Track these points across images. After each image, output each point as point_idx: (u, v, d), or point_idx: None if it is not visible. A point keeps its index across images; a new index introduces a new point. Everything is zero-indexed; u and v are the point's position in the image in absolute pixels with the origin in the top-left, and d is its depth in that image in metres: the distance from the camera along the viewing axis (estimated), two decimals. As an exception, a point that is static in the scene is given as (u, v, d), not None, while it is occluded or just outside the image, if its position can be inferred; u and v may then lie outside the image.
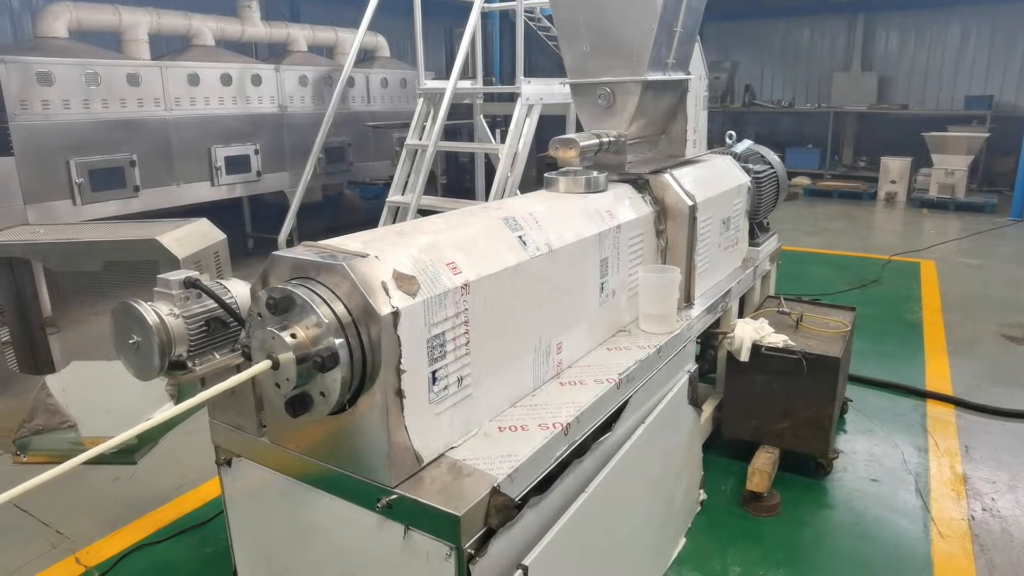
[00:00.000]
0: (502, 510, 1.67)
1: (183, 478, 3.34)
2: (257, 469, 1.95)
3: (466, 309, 1.79)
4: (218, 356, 1.82)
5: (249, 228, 8.17)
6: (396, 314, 1.57)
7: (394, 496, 1.65)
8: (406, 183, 4.04)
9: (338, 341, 1.54)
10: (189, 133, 6.43)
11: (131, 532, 2.95)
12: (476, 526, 1.62)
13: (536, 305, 2.10)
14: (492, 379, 1.94)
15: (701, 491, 3.08)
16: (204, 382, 1.96)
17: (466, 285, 1.79)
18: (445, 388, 1.76)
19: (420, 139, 4.11)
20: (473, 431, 1.90)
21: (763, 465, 3.06)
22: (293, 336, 1.55)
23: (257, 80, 7.04)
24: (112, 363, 2.19)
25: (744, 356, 3.16)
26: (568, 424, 1.96)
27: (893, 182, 11.03)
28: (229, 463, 2.04)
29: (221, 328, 1.82)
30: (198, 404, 1.50)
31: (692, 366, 2.88)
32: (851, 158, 12.96)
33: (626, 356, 2.42)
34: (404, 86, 8.72)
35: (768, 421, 3.23)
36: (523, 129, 3.54)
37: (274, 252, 1.70)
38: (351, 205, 10.45)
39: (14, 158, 5.27)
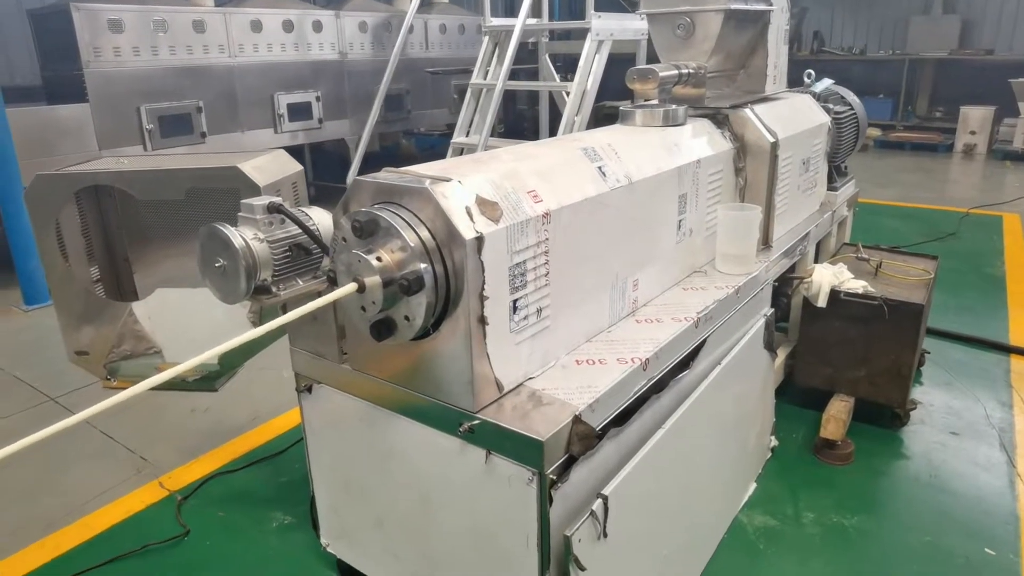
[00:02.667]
0: (583, 438, 1.66)
1: (256, 412, 3.44)
2: (337, 395, 1.98)
3: (547, 239, 1.76)
4: (301, 282, 1.83)
5: (310, 176, 8.26)
6: (480, 239, 1.54)
7: (476, 421, 1.65)
8: (470, 125, 3.98)
9: (423, 265, 1.52)
10: (252, 80, 6.48)
11: (209, 460, 3.06)
12: (558, 453, 1.61)
13: (614, 239, 2.05)
14: (570, 312, 1.91)
15: (772, 437, 3.02)
16: (286, 308, 1.98)
17: (547, 214, 1.75)
18: (525, 318, 1.74)
19: (485, 79, 4.04)
20: (550, 363, 1.88)
21: (839, 412, 2.97)
22: (379, 259, 1.54)
23: (318, 27, 7.02)
24: (195, 290, 2.24)
25: (822, 301, 3.05)
26: (647, 360, 1.93)
27: (973, 133, 10.44)
28: (310, 390, 2.07)
29: (303, 255, 1.83)
30: (281, 326, 1.51)
31: (768, 310, 2.80)
32: (926, 108, 12.28)
33: (703, 296, 2.36)
34: (463, 32, 8.59)
35: (844, 369, 3.13)
36: (592, 67, 3.44)
37: (357, 177, 1.68)
38: (407, 155, 10.45)
39: (89, 105, 5.40)
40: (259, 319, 2.19)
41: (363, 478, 2.04)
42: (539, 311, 1.79)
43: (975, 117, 10.39)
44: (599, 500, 1.70)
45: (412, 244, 1.52)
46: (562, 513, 1.65)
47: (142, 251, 2.50)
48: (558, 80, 4.26)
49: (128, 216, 2.50)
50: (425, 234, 1.55)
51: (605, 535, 1.72)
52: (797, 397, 3.37)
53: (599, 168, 2.02)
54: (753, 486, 2.80)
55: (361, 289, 1.56)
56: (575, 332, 1.97)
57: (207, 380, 2.42)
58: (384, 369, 1.81)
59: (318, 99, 7.08)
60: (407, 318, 1.59)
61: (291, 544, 2.54)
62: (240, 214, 1.77)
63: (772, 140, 2.73)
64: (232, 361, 2.36)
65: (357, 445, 2.00)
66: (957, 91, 11.57)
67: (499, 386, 1.70)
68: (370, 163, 4.64)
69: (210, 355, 1.45)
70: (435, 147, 11.98)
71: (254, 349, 2.26)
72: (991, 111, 10.27)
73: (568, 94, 3.59)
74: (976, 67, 11.65)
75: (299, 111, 6.92)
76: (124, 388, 2.56)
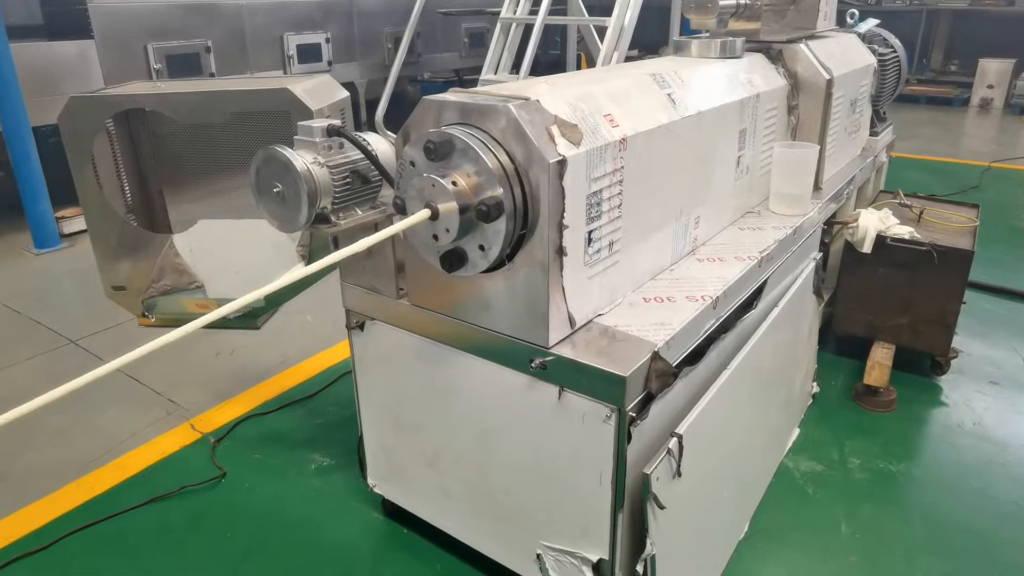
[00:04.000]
0: (662, 376, 1.59)
1: (284, 355, 3.38)
2: (393, 332, 1.91)
3: (622, 167, 1.66)
4: (360, 212, 1.74)
5: (317, 123, 8.05)
6: (563, 163, 1.45)
7: (550, 357, 1.58)
8: (499, 63, 3.84)
9: (501, 190, 1.43)
10: (262, 19, 6.25)
11: (240, 403, 3.01)
12: (637, 390, 1.55)
13: (680, 173, 1.96)
14: (637, 247, 1.83)
15: (814, 384, 2.98)
16: (337, 242, 1.90)
17: (624, 140, 1.65)
18: (598, 251, 1.66)
19: (515, 14, 3.87)
20: (617, 300, 1.80)
21: (883, 359, 2.93)
22: (454, 184, 1.45)
23: (327, -36, 6.76)
24: (240, 222, 2.15)
25: (867, 247, 2.97)
26: (717, 298, 1.86)
27: (990, 87, 10.25)
28: (362, 327, 2.00)
29: (362, 183, 1.73)
30: (334, 262, 1.42)
31: (817, 254, 2.72)
32: (941, 61, 12.04)
33: (762, 236, 2.28)
34: (475, -26, 8.29)
35: (886, 316, 3.07)
36: (630, 2, 3.29)
37: (425, 97, 1.58)
38: (415, 102, 10.22)
39: (94, 41, 5.20)
40: (309, 253, 2.11)
41: (417, 416, 1.98)
42: (611, 244, 1.70)
43: (993, 70, 10.18)
44: (674, 439, 1.65)
45: (491, 167, 1.43)
46: (637, 451, 1.60)
47: (176, 182, 2.39)
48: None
49: (161, 146, 2.39)
50: (504, 157, 1.45)
51: (679, 474, 1.68)
52: (833, 345, 3.33)
53: (668, 95, 1.92)
54: (796, 431, 2.76)
55: (435, 216, 1.47)
56: (641, 269, 1.89)
57: (250, 317, 2.34)
58: (447, 304, 1.73)
59: (327, 40, 6.86)
60: (481, 248, 1.50)
61: (333, 485, 2.50)
62: (297, 137, 1.66)
63: (827, 77, 2.62)
64: (279, 298, 2.28)
65: (412, 383, 1.93)
66: (973, 44, 11.31)
67: (571, 321, 1.63)
68: (375, 111, 4.50)
69: (268, 290, 1.36)
70: (441, 89, 11.71)
71: (303, 286, 2.17)
72: (1009, 64, 10.07)
73: (600, 32, 3.44)
74: (994, 19, 11.37)
75: (309, 53, 6.71)
76: (161, 326, 2.49)
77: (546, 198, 1.44)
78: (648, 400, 1.59)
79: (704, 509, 1.94)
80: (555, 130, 1.48)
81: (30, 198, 4.87)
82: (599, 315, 1.73)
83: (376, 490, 2.25)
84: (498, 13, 3.88)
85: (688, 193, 2.04)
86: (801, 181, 2.48)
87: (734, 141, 2.26)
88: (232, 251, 2.18)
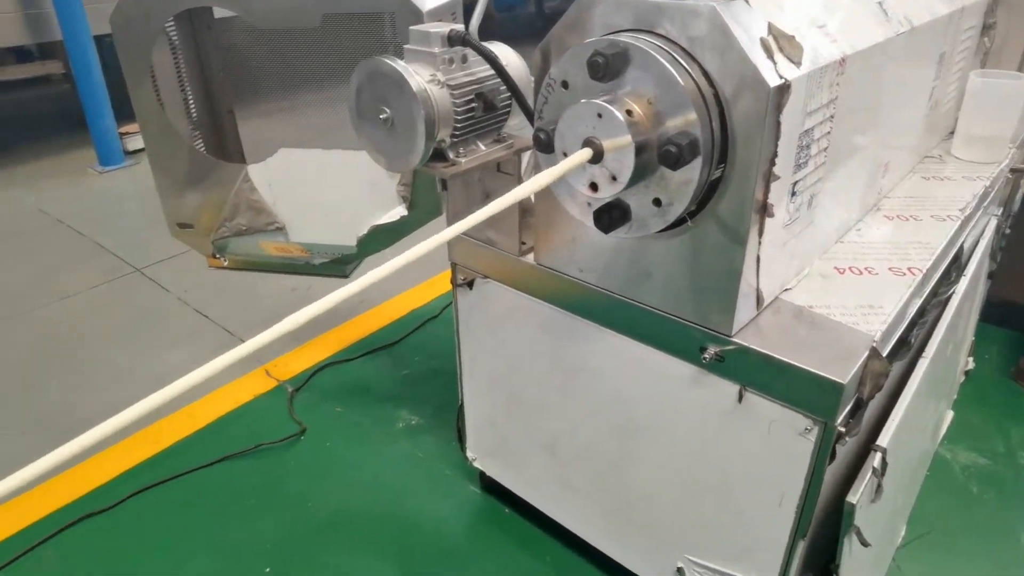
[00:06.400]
0: (877, 377, 1.22)
1: (364, 295, 3.09)
2: (511, 294, 1.57)
3: (836, 98, 1.25)
4: (482, 146, 1.38)
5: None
6: (784, 88, 1.05)
7: (730, 347, 1.22)
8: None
9: (699, 123, 1.04)
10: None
11: (317, 347, 2.75)
12: (849, 397, 1.18)
13: (882, 105, 1.53)
14: (829, 203, 1.43)
15: (970, 359, 2.55)
16: (446, 185, 1.55)
17: (843, 60, 1.23)
18: (798, 208, 1.27)
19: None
20: (805, 270, 1.42)
21: (1062, 335, 2.47)
22: (628, 113, 1.07)
23: None
24: (327, 152, 1.81)
25: (1053, 200, 2.47)
26: (926, 270, 1.45)
27: None
28: (471, 285, 1.66)
29: (485, 109, 1.36)
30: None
31: (998, 210, 2.25)
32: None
33: (955, 189, 1.84)
34: None
35: (1063, 283, 2.60)
36: None
37: (582, -7, 1.17)
38: (491, 20, 9.61)
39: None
40: (411, 195, 1.76)
41: (535, 394, 1.66)
42: (811, 199, 1.31)
43: None
44: (877, 454, 1.29)
45: (685, 90, 1.03)
46: (833, 469, 1.25)
47: (250, 102, 2.05)
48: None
49: (231, 58, 2.03)
50: (701, 78, 1.06)
51: (879, 495, 1.33)
52: (987, 312, 2.87)
53: (879, 4, 1.46)
54: (951, 414, 2.37)
55: (598, 157, 1.10)
56: (829, 230, 1.49)
57: (339, 264, 2.03)
58: (588, 267, 1.37)
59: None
60: (657, 202, 1.13)
61: (423, 448, 2.23)
62: (409, 47, 1.29)
63: (1041, -14, 2.08)
64: (373, 245, 1.96)
65: (533, 356, 1.61)
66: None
67: (759, 300, 1.26)
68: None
69: (415, 255, 1.00)
70: (513, 7, 10.99)
71: (403, 231, 1.85)
72: None
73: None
74: None
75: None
76: (234, 268, 2.23)
77: (758, 137, 1.05)
78: (856, 408, 1.23)
79: (884, 526, 1.59)
80: (772, 43, 1.07)
81: (93, 113, 4.63)
82: (786, 290, 1.35)
83: (476, 464, 1.97)
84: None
85: (884, 133, 1.60)
86: (1002, 121, 2.00)
87: (932, 67, 1.79)
88: (319, 188, 1.85)
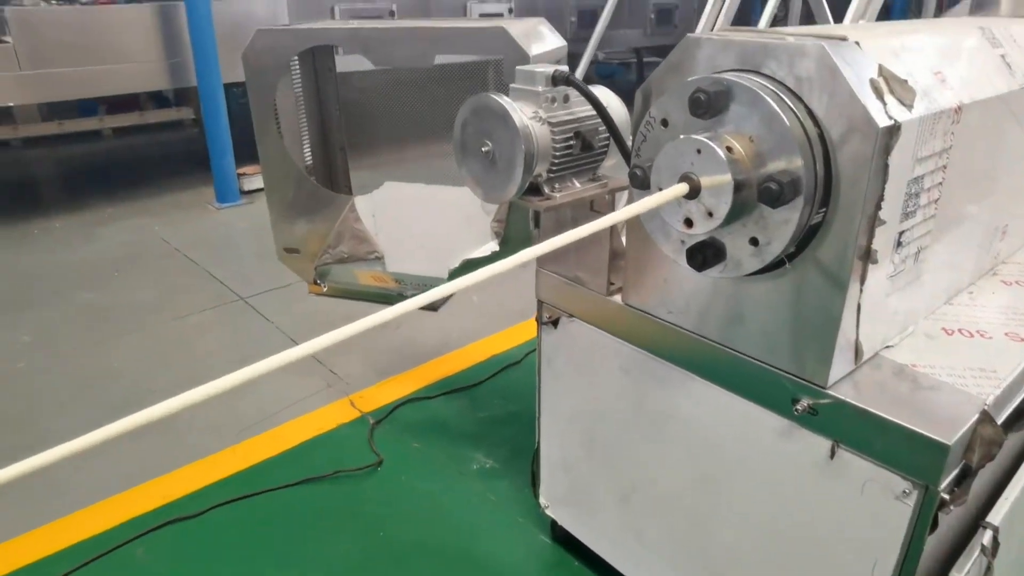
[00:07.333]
0: (988, 444, 1.13)
1: (450, 336, 3.15)
2: (597, 335, 1.56)
3: (950, 147, 1.20)
4: (577, 183, 1.40)
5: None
6: (894, 130, 1.02)
7: (825, 400, 1.16)
8: (716, 22, 3.35)
9: (801, 161, 1.03)
10: (448, -15, 6.11)
11: (401, 383, 2.80)
12: (955, 461, 1.09)
13: (1001, 160, 1.45)
14: (939, 260, 1.36)
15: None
16: (539, 219, 1.57)
17: (959, 108, 1.19)
18: (904, 260, 1.21)
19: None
20: (910, 328, 1.34)
21: None
22: (728, 150, 1.06)
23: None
24: (429, 187, 1.88)
25: None
26: (1049, 338, 1.35)
27: None
28: (556, 323, 1.66)
29: (583, 148, 1.38)
30: (559, 246, 1.06)
31: None
32: None
33: (1083, 257, 1.71)
34: (667, -56, 7.75)
35: None
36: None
37: (689, 35, 1.19)
38: (588, 81, 9.82)
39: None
40: (504, 232, 1.81)
41: (614, 440, 1.63)
42: (918, 252, 1.25)
43: None
44: (987, 531, 1.19)
45: (788, 128, 1.02)
46: (935, 541, 1.15)
47: (362, 141, 2.17)
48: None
49: (348, 98, 2.17)
50: (805, 117, 1.05)
51: (988, 579, 1.21)
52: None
53: (1003, 57, 1.41)
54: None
55: (694, 193, 1.09)
56: (938, 288, 1.42)
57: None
58: (679, 310, 1.35)
59: (510, 11, 6.62)
60: (754, 241, 1.11)
61: (496, 491, 2.21)
62: (515, 85, 1.34)
63: None
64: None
65: (614, 399, 1.58)
66: None
67: (858, 353, 1.20)
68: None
69: (479, 278, 1.02)
70: (615, 76, 11.20)
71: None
72: None
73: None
74: None
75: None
76: (331, 295, 2.32)
77: (864, 178, 1.02)
78: (963, 476, 1.14)
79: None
80: (882, 84, 1.05)
81: (216, 153, 5.00)
82: (887, 347, 1.29)
83: (548, 512, 1.93)
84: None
85: (1003, 191, 1.52)
86: None
87: (1060, 128, 1.70)
88: (417, 220, 1.92)
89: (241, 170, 5.21)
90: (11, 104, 4.65)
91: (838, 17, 2.01)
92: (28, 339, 3.21)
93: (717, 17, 3.51)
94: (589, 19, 7.28)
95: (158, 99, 6.93)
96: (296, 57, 2.05)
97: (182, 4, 4.72)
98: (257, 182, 5.25)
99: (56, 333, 3.27)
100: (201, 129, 5.18)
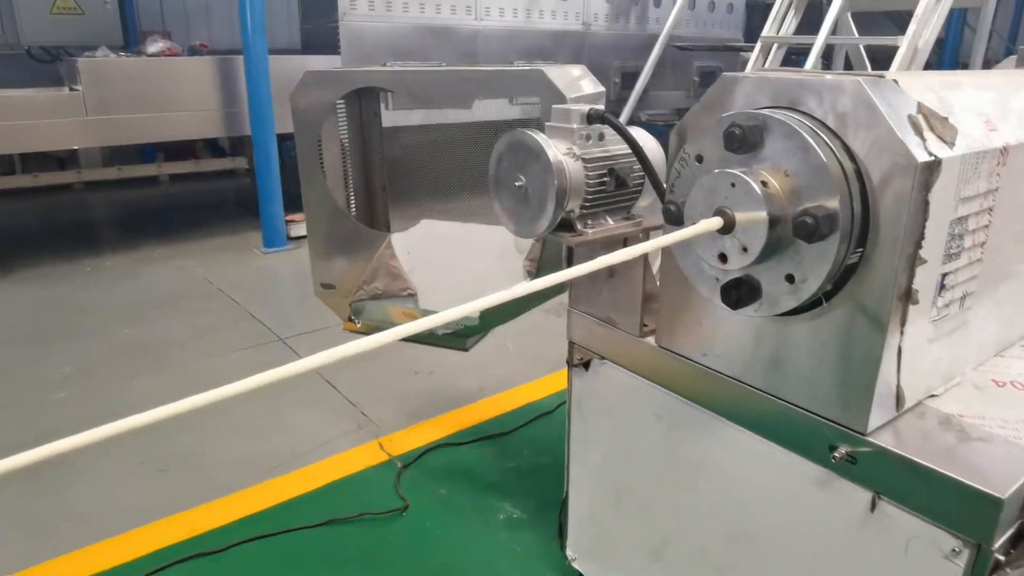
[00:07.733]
0: (1045, 503, 1.05)
1: (483, 383, 3.13)
2: (628, 378, 1.52)
3: (996, 188, 1.16)
4: (611, 221, 1.39)
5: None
6: (934, 166, 0.99)
7: (865, 448, 1.11)
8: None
9: (838, 197, 1.00)
10: (495, 45, 6.28)
11: (431, 428, 2.78)
12: (1010, 518, 1.02)
13: (1055, 211, 1.40)
14: (989, 307, 1.30)
15: None
16: (571, 257, 1.56)
17: (1005, 149, 1.15)
18: (947, 304, 1.17)
19: (778, 33, 3.41)
20: (956, 379, 1.28)
21: None
22: (764, 185, 1.05)
23: (563, -6, 6.70)
24: (465, 226, 1.90)
25: None
26: (1110, 394, 1.27)
27: None
28: (587, 365, 1.64)
29: (617, 185, 1.38)
30: (572, 277, 1.05)
31: None
32: None
33: None
34: (712, 9, 7.89)
35: None
36: (932, 19, 2.71)
37: (724, 73, 1.19)
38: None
39: (340, 57, 5.46)
40: (536, 270, 1.81)
41: (646, 490, 1.57)
42: (963, 297, 1.20)
43: None
44: (1045, 600, 1.09)
45: (825, 163, 1.01)
46: (987, 609, 1.07)
47: (402, 183, 2.21)
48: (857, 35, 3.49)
49: (391, 141, 2.22)
50: (841, 152, 1.03)
51: (1048, 655, 1.11)
52: None
53: (1052, 104, 1.38)
54: None
55: (728, 228, 1.08)
56: (987, 338, 1.35)
57: (460, 337, 2.08)
58: (713, 352, 1.32)
59: (555, 70, 6.77)
60: (790, 279, 1.08)
61: (522, 543, 2.15)
62: (550, 124, 1.35)
63: None
64: (494, 319, 2.00)
65: (646, 446, 1.53)
66: None
67: (900, 400, 1.15)
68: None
69: (479, 306, 1.02)
70: (659, 136, 11.30)
71: (523, 307, 1.88)
72: None
73: (883, 55, 2.88)
74: None
75: (535, 81, 6.65)
76: (365, 333, 2.33)
77: (904, 215, 0.99)
78: (1020, 536, 1.06)
79: None
80: (921, 121, 1.03)
81: (266, 199, 5.15)
82: (931, 396, 1.23)
83: (575, 564, 1.86)
84: (738, 49, 3.46)
85: (1057, 242, 1.46)
86: None
87: (1118, 181, 1.64)
88: (452, 258, 1.94)
89: (289, 217, 5.35)
90: (76, 147, 4.88)
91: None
92: (69, 370, 3.29)
93: (759, 73, 3.55)
94: (631, 80, 7.40)
95: (215, 148, 7.22)
96: (342, 99, 2.12)
97: (241, 58, 4.94)
98: (304, 229, 5.38)
99: (96, 366, 3.34)
100: (253, 178, 5.36)
